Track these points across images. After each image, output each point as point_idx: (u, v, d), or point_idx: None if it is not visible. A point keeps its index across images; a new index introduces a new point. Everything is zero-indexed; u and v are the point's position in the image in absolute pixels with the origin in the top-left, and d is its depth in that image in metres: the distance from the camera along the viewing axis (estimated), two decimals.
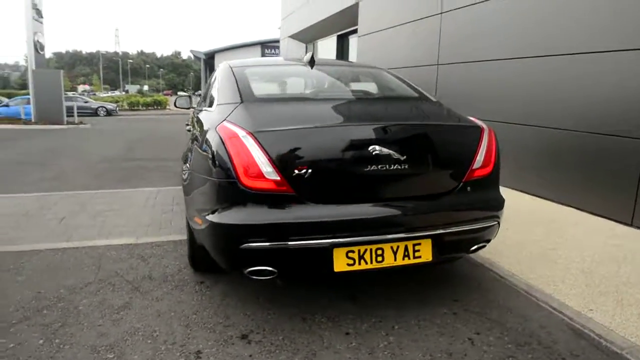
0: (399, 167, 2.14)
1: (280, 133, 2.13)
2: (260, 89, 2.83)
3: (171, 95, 52.71)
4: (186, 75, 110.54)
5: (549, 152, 4.84)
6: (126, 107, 29.91)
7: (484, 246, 2.49)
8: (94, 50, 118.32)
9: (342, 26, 12.45)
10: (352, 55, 12.13)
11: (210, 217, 2.08)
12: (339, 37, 13.54)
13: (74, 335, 2.15)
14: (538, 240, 3.46)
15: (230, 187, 2.05)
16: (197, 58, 45.98)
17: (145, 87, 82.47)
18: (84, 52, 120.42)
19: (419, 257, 2.17)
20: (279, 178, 2.03)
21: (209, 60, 37.45)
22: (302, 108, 2.57)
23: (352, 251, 2.08)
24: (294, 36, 16.82)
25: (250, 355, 2.00)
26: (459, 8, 6.31)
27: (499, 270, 2.92)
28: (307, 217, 2.05)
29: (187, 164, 2.69)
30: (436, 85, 6.90)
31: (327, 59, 6.05)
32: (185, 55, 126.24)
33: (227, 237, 2.07)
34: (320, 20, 13.01)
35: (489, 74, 5.78)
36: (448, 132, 2.44)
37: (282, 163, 2.04)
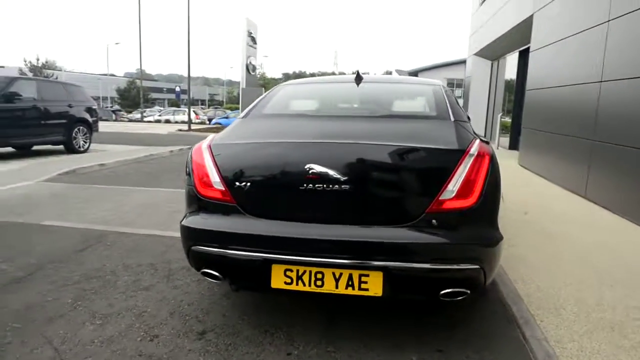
0: (340, 188, 2.01)
1: (231, 146, 2.28)
2: (279, 105, 2.94)
3: None
4: None
5: None
6: None
7: (464, 295, 2.04)
8: (316, 71, 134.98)
9: (523, 41, 11.30)
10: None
11: (182, 219, 2.35)
12: (520, 53, 12.31)
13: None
14: None
15: (192, 194, 2.26)
16: None
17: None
18: (307, 73, 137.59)
19: (366, 289, 1.99)
20: (223, 188, 2.15)
21: None
22: (285, 124, 2.60)
23: (291, 270, 2.04)
24: (479, 53, 16.03)
25: (190, 350, 2.22)
26: (633, 11, 5.11)
27: None
28: (243, 228, 2.10)
29: None
30: (597, 106, 5.73)
31: (385, 76, 5.40)
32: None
33: (183, 238, 2.27)
34: (500, 35, 12.15)
35: None
36: (410, 156, 2.11)
37: (227, 174, 2.16)
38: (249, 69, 18.65)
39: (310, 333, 2.37)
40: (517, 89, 12.32)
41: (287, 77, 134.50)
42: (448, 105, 2.71)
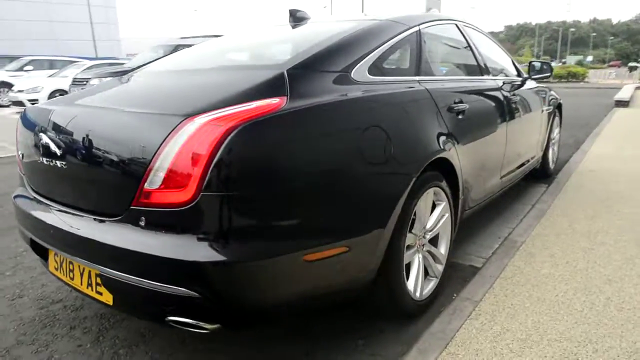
0: (61, 164, 1.56)
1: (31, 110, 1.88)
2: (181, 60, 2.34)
3: (618, 67, 50.62)
4: None
5: None
6: None
7: (204, 329, 1.35)
8: (545, 21, 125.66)
9: None
10: None
11: None
12: None
13: None
14: None
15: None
16: None
17: (589, 58, 77.92)
18: (532, 24, 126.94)
19: (101, 293, 1.50)
20: (19, 158, 1.89)
21: None
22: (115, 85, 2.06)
23: (57, 255, 1.66)
24: None
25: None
26: None
27: None
28: (19, 203, 1.82)
29: None
30: None
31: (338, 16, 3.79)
32: None
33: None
34: None
35: None
36: (126, 124, 1.47)
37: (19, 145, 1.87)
38: None
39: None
40: None
41: (509, 28, 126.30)
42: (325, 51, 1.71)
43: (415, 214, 1.79)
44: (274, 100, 1.35)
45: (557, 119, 4.06)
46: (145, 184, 1.31)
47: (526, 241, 2.58)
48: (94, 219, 1.47)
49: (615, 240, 2.57)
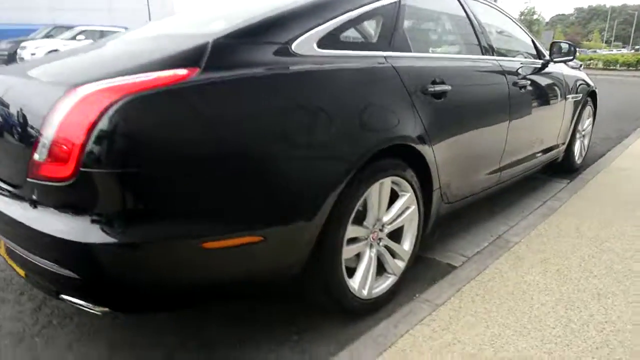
0: None
1: None
2: None
3: None
4: None
5: None
6: (601, 66, 28.01)
7: (87, 307, 1.30)
8: (620, 4, 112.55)
9: None
10: None
11: None
12: None
13: None
14: None
15: None
16: None
17: None
18: (606, 6, 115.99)
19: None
20: None
21: None
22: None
23: None
24: None
25: None
26: None
27: None
28: None
29: None
30: None
31: None
32: None
33: None
34: None
35: None
36: (30, 93, 1.42)
37: None
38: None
39: None
40: None
41: (579, 11, 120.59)
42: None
43: (366, 205, 1.61)
44: (181, 71, 1.21)
45: (588, 108, 3.64)
46: (35, 155, 1.21)
47: (521, 242, 2.33)
48: (4, 190, 1.40)
49: (624, 249, 2.26)
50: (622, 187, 3.27)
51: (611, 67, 27.52)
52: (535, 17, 48.77)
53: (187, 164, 1.19)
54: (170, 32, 1.98)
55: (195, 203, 1.23)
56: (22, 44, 13.92)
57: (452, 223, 2.53)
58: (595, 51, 53.48)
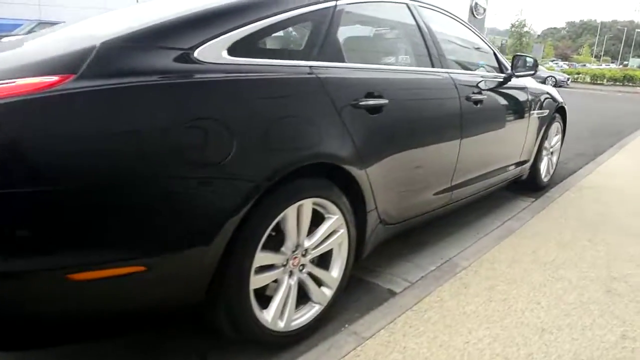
0: None
1: None
2: None
3: None
4: None
5: None
6: (588, 80, 28.73)
7: None
8: (610, 20, 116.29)
9: None
10: None
11: None
12: None
13: None
14: None
15: None
16: None
17: None
18: (597, 21, 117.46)
19: None
20: None
21: None
22: None
23: None
24: None
25: None
26: None
27: None
28: None
29: None
30: None
31: None
32: None
33: None
34: None
35: None
36: None
37: None
38: (473, 11, 13.22)
39: None
40: None
41: (571, 25, 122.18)
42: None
43: (281, 229, 1.46)
44: (48, 79, 1.06)
45: (556, 124, 3.53)
46: None
47: (470, 266, 2.19)
48: None
49: (578, 277, 2.14)
50: (588, 207, 3.16)
51: (598, 82, 27.85)
52: (525, 29, 49.14)
53: (41, 184, 1.03)
54: (84, 31, 1.82)
55: (60, 230, 1.08)
56: (2, 40, 13.64)
57: (400, 245, 2.39)
58: (584, 65, 53.88)
